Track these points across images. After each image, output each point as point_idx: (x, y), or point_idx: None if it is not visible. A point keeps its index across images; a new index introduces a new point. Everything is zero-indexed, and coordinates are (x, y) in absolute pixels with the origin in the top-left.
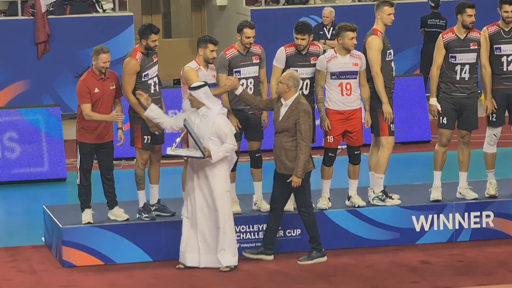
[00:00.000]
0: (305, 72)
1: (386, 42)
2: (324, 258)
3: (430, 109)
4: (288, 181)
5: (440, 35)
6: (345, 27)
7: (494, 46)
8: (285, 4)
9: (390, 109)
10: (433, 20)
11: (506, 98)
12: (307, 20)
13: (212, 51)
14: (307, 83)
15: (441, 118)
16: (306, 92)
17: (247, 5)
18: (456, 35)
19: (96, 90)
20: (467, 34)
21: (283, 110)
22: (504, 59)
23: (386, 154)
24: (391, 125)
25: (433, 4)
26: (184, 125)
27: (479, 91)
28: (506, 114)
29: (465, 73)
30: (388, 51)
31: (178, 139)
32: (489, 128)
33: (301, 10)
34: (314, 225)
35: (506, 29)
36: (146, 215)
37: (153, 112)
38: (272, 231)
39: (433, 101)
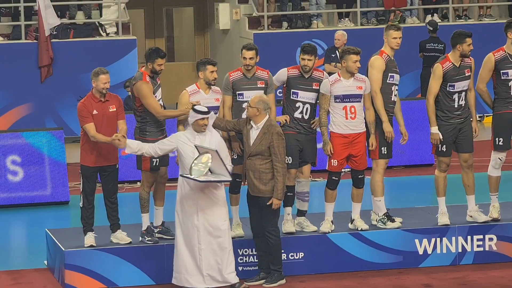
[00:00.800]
0: (305, 96)
1: (390, 65)
2: (284, 281)
3: (432, 138)
4: (268, 203)
5: (438, 64)
6: (349, 50)
7: (501, 71)
8: (288, 28)
9: (391, 127)
10: (432, 44)
11: None
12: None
13: (212, 72)
14: (307, 108)
15: (439, 146)
16: (306, 117)
17: (250, 29)
18: (452, 63)
19: (95, 112)
20: (461, 62)
21: (254, 133)
22: (511, 83)
23: (378, 177)
24: (383, 148)
25: (431, 28)
26: (198, 150)
27: (480, 115)
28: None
29: (462, 100)
30: (390, 74)
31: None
32: (494, 152)
33: (304, 34)
34: (280, 247)
35: None
36: (149, 238)
37: (132, 148)
38: (265, 256)
39: (435, 129)
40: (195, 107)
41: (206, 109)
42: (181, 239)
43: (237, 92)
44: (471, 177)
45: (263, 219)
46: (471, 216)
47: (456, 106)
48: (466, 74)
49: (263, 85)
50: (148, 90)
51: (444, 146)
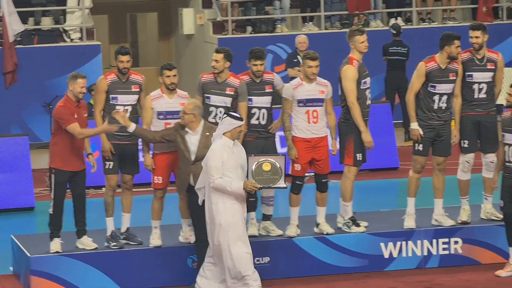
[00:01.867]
0: (260, 101)
1: (361, 71)
2: None
3: (412, 134)
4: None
5: (422, 63)
6: (306, 55)
7: (466, 73)
8: (252, 32)
9: (370, 137)
10: (395, 48)
11: (478, 125)
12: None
13: (168, 76)
14: (263, 113)
15: (416, 145)
16: (263, 122)
17: (214, 34)
18: (438, 64)
19: (76, 116)
20: (448, 64)
21: (194, 139)
22: (475, 86)
23: (348, 183)
24: (358, 155)
25: (394, 32)
26: (249, 158)
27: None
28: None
29: (442, 102)
30: (363, 80)
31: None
32: (462, 155)
33: (268, 38)
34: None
35: (479, 57)
36: (114, 243)
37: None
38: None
39: (415, 125)
40: (231, 113)
41: (239, 115)
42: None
43: (205, 95)
44: (442, 180)
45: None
46: (436, 220)
47: (435, 107)
48: (451, 78)
49: (232, 92)
50: (99, 86)
51: (421, 145)
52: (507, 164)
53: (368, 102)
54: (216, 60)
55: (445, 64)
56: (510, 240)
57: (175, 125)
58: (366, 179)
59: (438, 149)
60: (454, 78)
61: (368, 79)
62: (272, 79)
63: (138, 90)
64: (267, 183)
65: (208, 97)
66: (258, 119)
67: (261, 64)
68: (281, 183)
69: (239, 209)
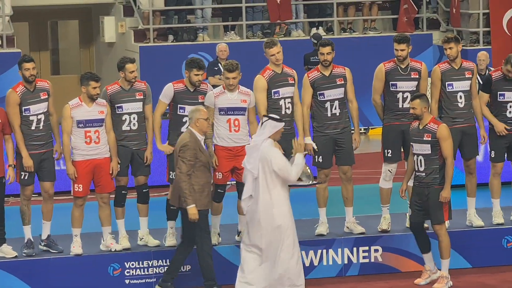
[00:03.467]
0: None
1: (275, 81)
2: None
3: (305, 148)
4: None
5: (306, 74)
6: (225, 66)
7: (391, 82)
8: (174, 41)
9: (303, 141)
10: (316, 57)
11: (402, 134)
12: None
13: (95, 87)
14: None
15: (316, 157)
16: None
17: (136, 42)
18: (320, 72)
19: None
20: (332, 70)
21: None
22: (400, 95)
23: None
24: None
25: (315, 41)
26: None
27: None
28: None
29: (335, 109)
30: (274, 90)
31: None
32: (384, 164)
33: (190, 47)
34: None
35: (403, 66)
36: (26, 250)
37: None
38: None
39: (308, 140)
40: (272, 116)
41: (279, 117)
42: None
43: (116, 105)
44: (350, 190)
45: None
46: (348, 227)
47: (329, 115)
48: (338, 83)
49: (142, 96)
50: (11, 100)
51: (321, 157)
52: (417, 173)
53: (285, 112)
54: (131, 72)
55: (328, 70)
56: (421, 248)
57: (185, 146)
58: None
59: (340, 158)
60: (342, 82)
61: (287, 89)
62: (206, 89)
63: (46, 97)
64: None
65: (121, 107)
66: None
67: (201, 74)
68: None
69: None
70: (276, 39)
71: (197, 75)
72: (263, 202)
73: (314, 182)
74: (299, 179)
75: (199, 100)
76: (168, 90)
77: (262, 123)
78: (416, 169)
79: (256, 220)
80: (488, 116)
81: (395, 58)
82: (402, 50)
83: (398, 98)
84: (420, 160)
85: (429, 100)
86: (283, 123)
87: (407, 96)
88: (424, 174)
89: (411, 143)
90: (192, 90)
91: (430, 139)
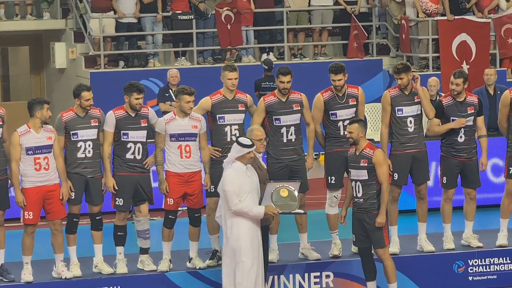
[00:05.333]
0: (135, 135)
1: (221, 106)
2: None
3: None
4: None
5: (262, 98)
6: (183, 90)
7: (330, 111)
8: (124, 67)
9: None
10: (267, 83)
11: (344, 161)
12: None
13: (47, 110)
14: (139, 148)
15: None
16: (138, 157)
17: (87, 68)
18: (277, 97)
19: None
20: (288, 96)
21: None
22: (340, 124)
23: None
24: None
25: (266, 67)
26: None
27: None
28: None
29: (291, 134)
30: (219, 115)
31: None
32: (329, 190)
33: (140, 72)
34: None
35: (340, 94)
36: None
37: None
38: None
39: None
40: (239, 140)
41: (250, 142)
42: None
43: (71, 132)
44: (304, 216)
45: None
46: (302, 254)
47: (285, 141)
48: (295, 109)
49: (96, 123)
50: None
51: None
52: (355, 199)
53: (230, 138)
54: (87, 100)
55: (285, 96)
56: (366, 274)
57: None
58: None
59: None
60: (298, 108)
61: (235, 116)
62: (147, 113)
63: (1, 123)
64: (285, 208)
65: (76, 134)
66: (133, 153)
67: (141, 98)
68: (299, 209)
69: (255, 234)
70: (236, 65)
71: (137, 99)
72: (223, 224)
73: (300, 212)
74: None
75: (142, 125)
76: (110, 119)
77: (233, 145)
78: (354, 195)
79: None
80: (443, 127)
81: (332, 87)
82: (339, 80)
83: (339, 126)
84: (358, 186)
85: (367, 125)
86: (251, 149)
87: (347, 124)
88: (362, 200)
89: (349, 170)
90: (133, 115)
91: (366, 164)
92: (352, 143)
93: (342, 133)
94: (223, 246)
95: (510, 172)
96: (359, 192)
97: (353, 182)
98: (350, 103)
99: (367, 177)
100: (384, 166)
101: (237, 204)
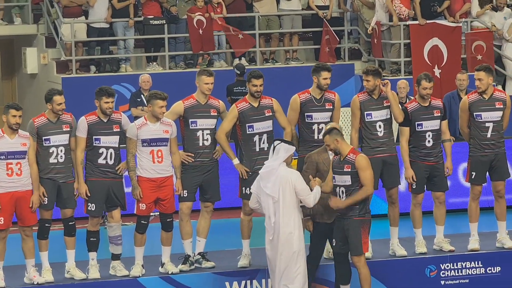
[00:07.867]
0: (108, 140)
1: (193, 111)
2: None
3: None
4: None
5: (234, 104)
6: (155, 95)
7: (306, 114)
8: (96, 72)
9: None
10: (239, 88)
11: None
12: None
13: (14, 116)
14: (111, 153)
15: (243, 188)
16: (111, 162)
17: (58, 73)
18: (249, 103)
19: None
20: (260, 101)
21: None
22: (315, 126)
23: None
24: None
25: (238, 72)
26: None
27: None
28: None
29: (263, 143)
30: (191, 120)
31: None
32: None
33: (112, 78)
34: None
35: (317, 97)
36: None
37: None
38: None
39: (236, 160)
40: (285, 139)
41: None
42: None
43: (43, 138)
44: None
45: None
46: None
47: (257, 150)
48: (267, 115)
49: (68, 129)
50: None
51: (248, 189)
52: None
53: (202, 143)
54: (59, 104)
55: (257, 102)
56: (340, 279)
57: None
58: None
59: None
60: (270, 114)
61: (207, 121)
62: (120, 118)
63: None
64: None
65: (48, 139)
66: (105, 158)
67: (112, 102)
68: None
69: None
70: (212, 70)
71: (107, 102)
72: (283, 225)
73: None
74: None
75: (114, 130)
76: (82, 124)
77: (274, 147)
78: None
79: (275, 242)
80: (405, 158)
81: (310, 89)
82: (324, 78)
83: (314, 129)
84: (342, 191)
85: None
86: (295, 147)
87: (322, 128)
88: None
89: (333, 175)
90: (105, 121)
91: (350, 170)
92: (335, 153)
93: (316, 137)
94: (267, 244)
95: (473, 177)
96: (342, 197)
97: (337, 187)
98: (326, 107)
99: (350, 183)
100: (367, 171)
101: (311, 196)
